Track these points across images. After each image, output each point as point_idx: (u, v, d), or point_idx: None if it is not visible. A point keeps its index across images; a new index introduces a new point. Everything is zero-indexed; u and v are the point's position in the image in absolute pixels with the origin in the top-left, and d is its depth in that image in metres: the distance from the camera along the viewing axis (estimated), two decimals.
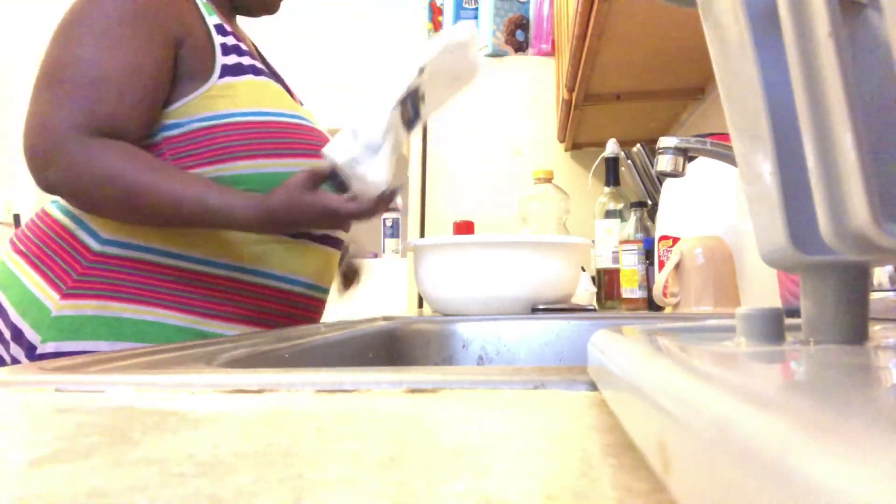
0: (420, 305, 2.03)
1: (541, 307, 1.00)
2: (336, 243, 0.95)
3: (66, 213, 0.84)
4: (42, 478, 0.16)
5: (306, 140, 0.89)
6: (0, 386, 0.30)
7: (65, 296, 0.80)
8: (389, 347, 0.85)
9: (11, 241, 0.87)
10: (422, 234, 2.08)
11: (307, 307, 0.92)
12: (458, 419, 0.22)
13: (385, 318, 0.94)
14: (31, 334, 0.79)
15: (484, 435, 0.20)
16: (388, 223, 3.61)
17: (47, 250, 0.83)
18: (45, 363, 0.37)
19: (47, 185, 0.77)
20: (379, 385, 0.29)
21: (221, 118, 0.83)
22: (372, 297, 3.30)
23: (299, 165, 0.85)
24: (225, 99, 0.84)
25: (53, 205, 0.86)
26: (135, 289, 0.81)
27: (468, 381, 0.29)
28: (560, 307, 1.01)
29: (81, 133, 0.75)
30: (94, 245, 0.81)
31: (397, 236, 3.58)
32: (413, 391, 0.28)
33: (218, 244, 0.83)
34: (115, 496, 0.14)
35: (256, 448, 0.18)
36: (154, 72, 0.79)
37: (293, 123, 0.88)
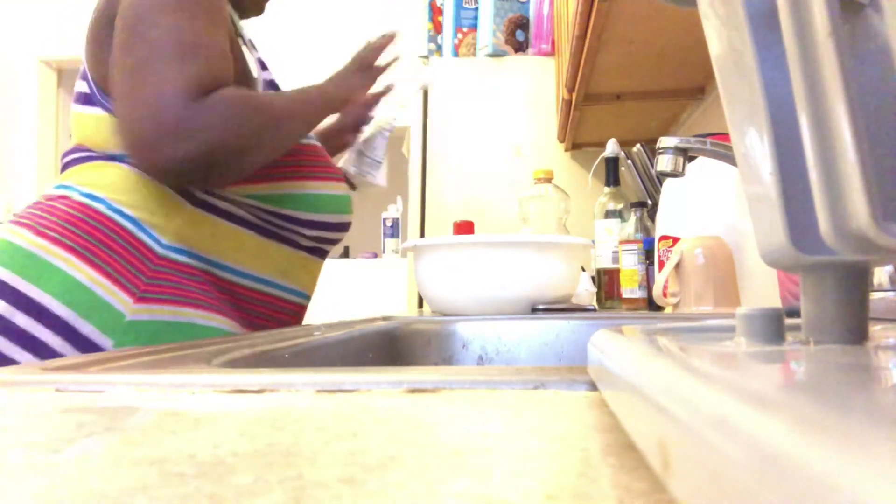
0: (420, 305, 2.03)
1: (541, 307, 1.00)
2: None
3: (116, 210, 0.80)
4: (42, 478, 0.16)
5: (328, 162, 0.96)
6: (0, 386, 0.30)
7: (139, 299, 0.77)
8: (389, 347, 0.85)
9: (31, 226, 0.79)
10: (422, 234, 2.08)
11: (300, 319, 0.99)
12: (458, 419, 0.22)
13: (385, 318, 0.94)
14: (98, 337, 0.75)
15: (484, 435, 0.20)
16: (389, 223, 3.61)
17: (104, 248, 0.78)
18: (45, 363, 0.37)
19: (179, 158, 0.70)
20: (379, 385, 0.29)
21: None
22: (372, 297, 3.30)
23: (330, 188, 0.91)
24: None
25: (89, 198, 0.81)
26: (199, 295, 0.81)
27: (468, 381, 0.29)
28: (560, 307, 1.01)
29: (203, 94, 0.73)
30: (158, 249, 0.80)
31: (397, 236, 3.58)
32: (413, 391, 0.28)
33: (260, 259, 0.87)
34: (115, 496, 0.14)
35: (256, 448, 0.18)
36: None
37: (318, 146, 0.94)
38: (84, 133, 0.85)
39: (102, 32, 0.81)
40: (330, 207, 0.91)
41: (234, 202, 0.85)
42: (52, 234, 0.78)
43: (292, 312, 0.93)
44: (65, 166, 0.87)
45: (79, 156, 0.85)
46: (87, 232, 0.78)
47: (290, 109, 0.83)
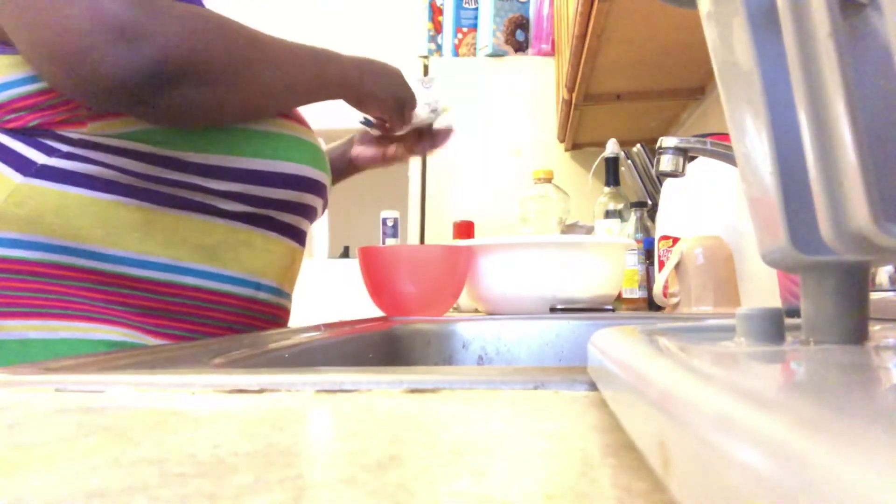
0: None
1: (559, 307, 1.01)
2: (301, 238, 0.77)
3: None
4: (42, 478, 0.16)
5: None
6: (0, 386, 0.30)
7: None
8: (389, 347, 0.85)
9: None
10: (422, 234, 2.09)
11: (273, 318, 0.73)
12: (458, 419, 0.22)
13: (385, 319, 0.94)
14: None
15: (484, 435, 0.20)
16: (389, 223, 3.61)
17: None
18: (45, 363, 0.37)
19: (147, 63, 0.53)
20: (379, 385, 0.29)
21: None
22: None
23: (282, 127, 0.69)
24: None
25: None
26: (42, 300, 0.60)
27: (468, 381, 0.29)
28: (578, 307, 1.01)
29: None
30: None
31: (397, 236, 3.57)
32: (413, 391, 0.28)
33: (158, 238, 0.63)
34: (115, 496, 0.14)
35: (256, 448, 0.18)
36: None
37: None
38: None
39: None
40: (279, 152, 0.67)
41: (95, 160, 0.59)
42: None
43: (238, 310, 0.67)
44: None
45: None
46: None
47: (278, 49, 0.63)
